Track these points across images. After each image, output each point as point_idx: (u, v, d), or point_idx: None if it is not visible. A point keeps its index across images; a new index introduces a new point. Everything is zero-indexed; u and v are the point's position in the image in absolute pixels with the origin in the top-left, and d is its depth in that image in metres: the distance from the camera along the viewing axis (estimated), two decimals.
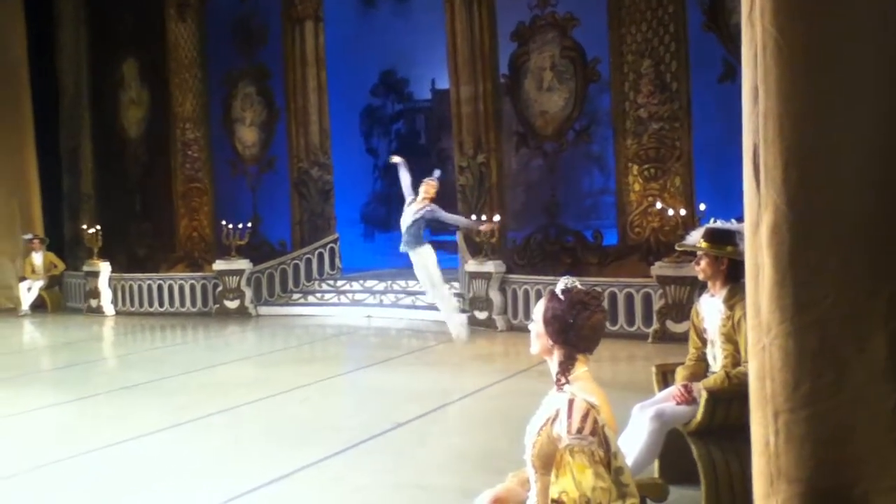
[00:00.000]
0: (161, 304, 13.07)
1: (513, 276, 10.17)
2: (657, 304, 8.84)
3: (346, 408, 6.82)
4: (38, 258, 13.67)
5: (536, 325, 2.40)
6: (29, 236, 13.85)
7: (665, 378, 4.07)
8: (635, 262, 9.68)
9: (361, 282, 12.91)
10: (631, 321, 9.14)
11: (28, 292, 13.41)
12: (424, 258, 8.50)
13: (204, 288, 12.88)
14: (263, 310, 12.53)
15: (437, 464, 4.78)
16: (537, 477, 2.30)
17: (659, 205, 9.57)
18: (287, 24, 13.45)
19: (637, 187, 9.97)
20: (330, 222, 13.71)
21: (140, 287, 13.22)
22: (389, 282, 12.51)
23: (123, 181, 14.67)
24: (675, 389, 3.80)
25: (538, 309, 2.40)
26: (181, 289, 13.03)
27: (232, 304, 12.53)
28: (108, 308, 13.22)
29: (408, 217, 8.46)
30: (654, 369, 4.16)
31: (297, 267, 13.16)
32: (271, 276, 12.97)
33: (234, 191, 13.94)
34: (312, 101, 13.42)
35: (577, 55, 10.48)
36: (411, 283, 10.98)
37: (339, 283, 13.05)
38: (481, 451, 4.94)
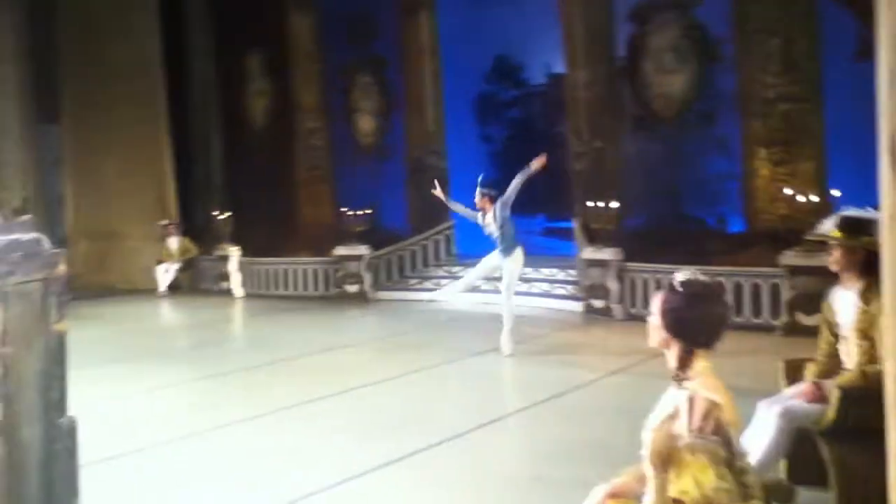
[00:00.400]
0: (285, 288, 13.59)
1: (631, 265, 9.94)
2: (786, 296, 8.41)
3: (456, 395, 6.88)
4: (173, 243, 14.52)
5: (654, 317, 2.33)
6: (165, 222, 14.73)
7: (793, 374, 3.87)
8: (762, 250, 9.23)
9: None
10: (757, 312, 8.75)
11: (165, 275, 14.27)
12: (516, 263, 8.00)
13: (326, 272, 13.29)
14: (382, 294, 12.81)
15: (551, 455, 4.75)
16: (655, 474, 2.24)
17: (788, 190, 9.08)
18: (401, 14, 13.63)
19: (765, 172, 9.50)
20: (444, 209, 13.81)
21: (266, 271, 13.80)
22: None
23: (250, 170, 15.31)
24: (804, 386, 3.60)
25: (656, 300, 2.34)
26: (304, 273, 13.50)
27: (352, 289, 12.87)
28: (238, 290, 13.90)
29: (492, 226, 7.95)
30: (781, 364, 3.95)
31: (413, 253, 13.39)
32: (389, 262, 13.25)
33: (353, 178, 14.29)
34: (427, 89, 13.56)
35: (699, 35, 10.07)
36: (526, 269, 10.92)
37: (455, 269, 13.16)
38: (596, 443, 4.86)
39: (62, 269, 1.99)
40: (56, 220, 15.04)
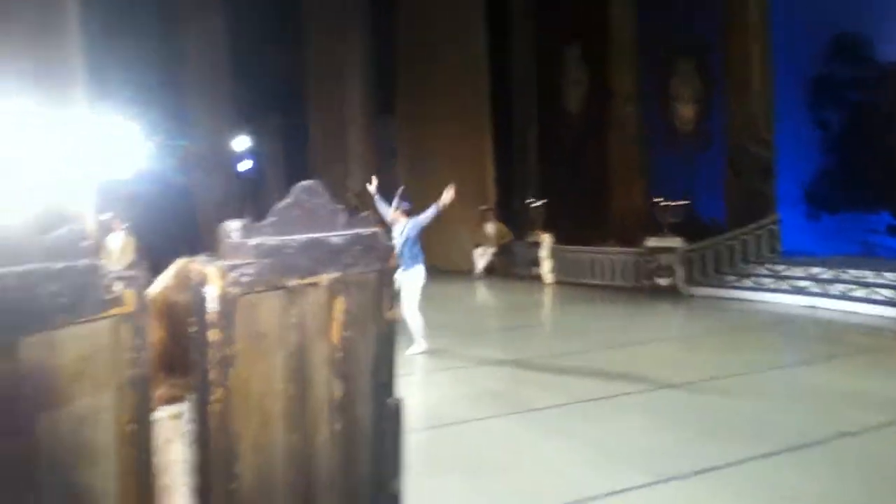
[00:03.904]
0: (594, 277, 13.57)
1: None
2: None
3: (776, 406, 6.29)
4: (490, 228, 15.27)
5: None
6: (484, 207, 15.54)
7: None
8: None
9: (805, 268, 11.79)
10: None
11: (481, 258, 15.08)
12: (415, 280, 8.11)
13: (636, 264, 13.02)
14: (695, 290, 12.23)
15: (893, 484, 4.15)
16: None
17: None
18: None
19: None
20: (768, 202, 12.78)
21: (576, 258, 13.91)
22: (838, 270, 11.19)
23: (564, 158, 15.53)
24: None
25: None
26: (614, 263, 13.37)
27: (663, 282, 12.46)
28: (548, 276, 14.22)
29: (397, 239, 8.00)
30: None
31: (731, 248, 12.55)
32: (704, 256, 12.58)
33: (668, 167, 13.81)
34: (754, 72, 12.56)
35: None
36: (866, 273, 9.67)
37: (778, 267, 12.10)
38: None
39: (394, 261, 2.14)
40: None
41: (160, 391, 1.56)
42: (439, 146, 16.21)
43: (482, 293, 13.76)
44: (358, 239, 1.96)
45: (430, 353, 7.82)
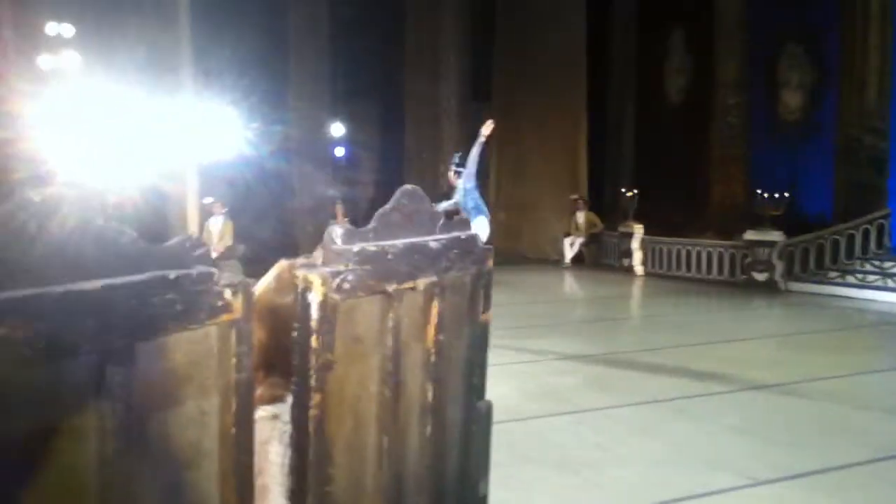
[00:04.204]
0: (688, 269, 13.23)
1: None
2: None
3: (879, 411, 5.99)
4: (580, 217, 15.08)
5: None
6: (574, 196, 15.34)
7: None
8: None
9: None
10: None
11: (570, 247, 14.91)
12: (479, 231, 7.57)
13: (732, 257, 12.61)
14: (794, 286, 11.76)
15: None
16: None
17: None
18: None
19: None
20: (880, 195, 12.12)
21: (669, 250, 13.58)
22: None
23: (661, 147, 15.14)
24: None
25: None
26: (709, 256, 12.98)
27: (760, 277, 12.03)
28: (638, 268, 13.94)
29: (458, 198, 8.13)
30: None
31: (836, 242, 11.98)
32: (806, 251, 12.06)
33: (771, 158, 13.28)
34: (872, 59, 11.87)
35: None
36: None
37: (887, 264, 11.48)
38: None
39: (490, 264, 2.14)
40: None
41: (259, 391, 1.61)
42: (532, 133, 16.08)
43: (570, 283, 13.62)
44: (455, 242, 1.96)
45: (512, 344, 7.80)
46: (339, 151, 16.53)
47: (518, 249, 15.57)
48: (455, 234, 2.00)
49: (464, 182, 8.14)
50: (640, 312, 11.28)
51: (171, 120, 11.58)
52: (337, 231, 1.58)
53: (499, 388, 5.71)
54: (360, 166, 17.27)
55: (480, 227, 8.08)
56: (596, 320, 9.99)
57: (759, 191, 12.17)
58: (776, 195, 11.96)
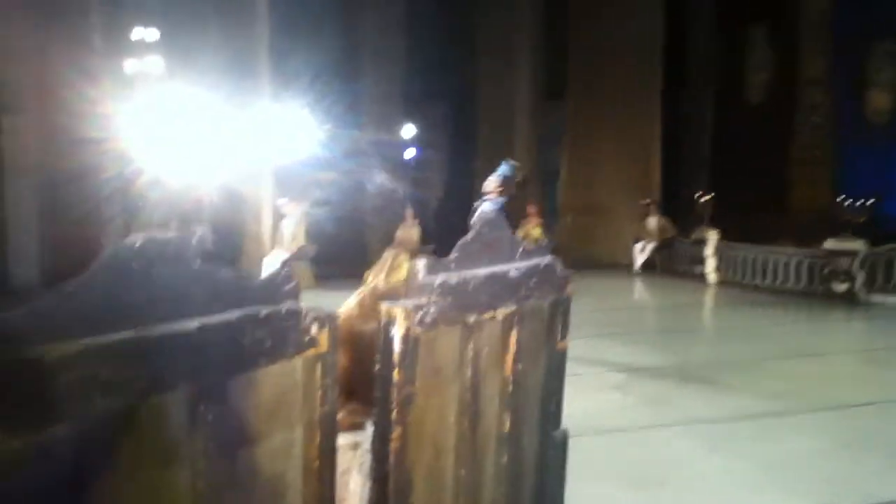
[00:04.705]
0: (763, 278, 12.82)
1: None
2: None
3: None
4: (652, 222, 14.78)
5: None
6: (646, 201, 15.04)
7: None
8: None
9: None
10: None
11: (641, 253, 14.65)
12: None
13: (811, 266, 12.17)
14: (876, 298, 11.28)
15: None
16: None
17: None
18: None
19: None
20: None
21: (744, 258, 13.18)
22: None
23: (739, 149, 14.72)
24: None
25: None
26: (786, 265, 12.55)
27: (840, 288, 11.57)
28: (712, 276, 13.58)
29: None
30: None
31: None
32: (890, 261, 11.56)
33: (858, 161, 12.78)
34: None
35: None
36: None
37: None
38: None
39: (570, 290, 2.12)
40: (551, 194, 16.51)
41: (339, 416, 1.63)
42: (605, 133, 15.84)
43: (641, 291, 13.38)
44: (535, 271, 1.95)
45: (581, 354, 7.69)
46: (410, 153, 16.64)
47: (587, 253, 15.38)
48: (534, 261, 1.99)
49: (491, 205, 7.56)
50: (715, 323, 11.01)
51: (248, 122, 11.88)
52: (420, 263, 1.59)
53: (570, 399, 5.66)
54: (430, 167, 17.36)
55: None
56: (668, 330, 9.80)
57: (842, 196, 11.71)
58: (860, 201, 11.50)
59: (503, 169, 7.58)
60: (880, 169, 12.52)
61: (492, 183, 7.41)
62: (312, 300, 1.47)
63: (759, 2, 14.39)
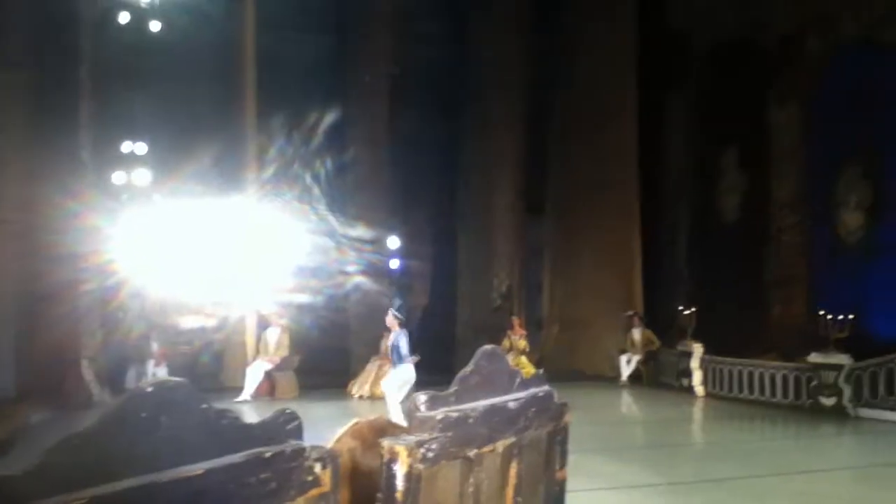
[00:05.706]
0: (750, 392, 12.75)
1: None
2: None
3: None
4: (636, 333, 14.81)
5: None
6: (630, 313, 15.12)
7: None
8: None
9: None
10: None
11: (627, 365, 14.60)
12: (398, 376, 9.41)
13: (797, 380, 12.13)
14: (864, 412, 11.21)
15: None
16: None
17: None
18: None
19: None
20: None
21: (730, 371, 13.14)
22: None
23: (718, 265, 14.97)
24: None
25: None
26: (772, 378, 12.51)
27: (827, 402, 11.51)
28: (698, 389, 13.50)
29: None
30: None
31: None
32: (875, 375, 11.55)
33: (833, 278, 13.00)
34: None
35: None
36: None
37: None
38: None
39: (567, 419, 2.11)
40: (534, 306, 16.57)
41: None
42: (586, 247, 16.09)
43: (627, 404, 13.25)
44: (533, 401, 1.95)
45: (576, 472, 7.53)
46: (395, 263, 16.77)
47: (572, 365, 15.31)
48: (532, 390, 1.99)
49: (396, 339, 9.49)
50: (703, 438, 10.86)
51: (232, 232, 12.00)
52: (421, 399, 1.59)
53: None
54: (413, 276, 17.45)
55: (399, 375, 9.37)
56: (658, 445, 9.64)
57: (822, 312, 11.84)
58: (840, 317, 11.62)
59: (396, 306, 10.62)
60: (857, 284, 12.71)
61: (393, 320, 9.56)
62: (297, 408, 1.45)
63: (731, 125, 15.00)
